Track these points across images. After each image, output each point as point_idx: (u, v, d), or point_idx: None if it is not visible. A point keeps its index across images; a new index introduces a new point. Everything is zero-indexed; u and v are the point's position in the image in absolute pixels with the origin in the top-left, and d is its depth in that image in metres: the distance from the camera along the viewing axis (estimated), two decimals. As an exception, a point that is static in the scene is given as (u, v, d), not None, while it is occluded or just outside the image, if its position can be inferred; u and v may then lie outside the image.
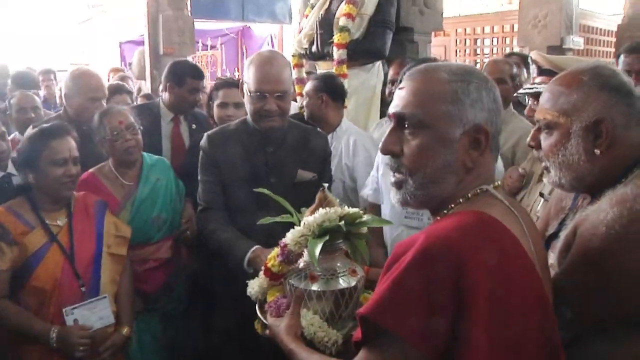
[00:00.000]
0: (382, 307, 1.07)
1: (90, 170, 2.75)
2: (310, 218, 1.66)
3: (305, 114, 3.41)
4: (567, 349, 1.22)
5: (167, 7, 6.53)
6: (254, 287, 1.80)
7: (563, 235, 1.45)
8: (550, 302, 1.16)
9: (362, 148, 3.17)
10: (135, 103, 4.40)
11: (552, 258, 1.46)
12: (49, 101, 5.74)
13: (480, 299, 1.02)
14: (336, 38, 4.07)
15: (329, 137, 3.24)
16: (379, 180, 2.77)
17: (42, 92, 5.99)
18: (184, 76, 3.46)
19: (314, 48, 4.35)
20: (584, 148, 1.38)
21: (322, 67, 4.38)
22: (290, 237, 1.68)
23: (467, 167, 1.21)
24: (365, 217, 1.71)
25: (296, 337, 1.53)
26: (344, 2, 4.12)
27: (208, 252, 2.53)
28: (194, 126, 3.48)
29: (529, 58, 2.54)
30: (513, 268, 1.09)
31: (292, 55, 4.57)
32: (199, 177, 2.48)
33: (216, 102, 3.23)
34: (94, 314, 2.35)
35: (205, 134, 2.53)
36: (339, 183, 3.13)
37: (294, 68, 4.52)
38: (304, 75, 4.56)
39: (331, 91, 3.33)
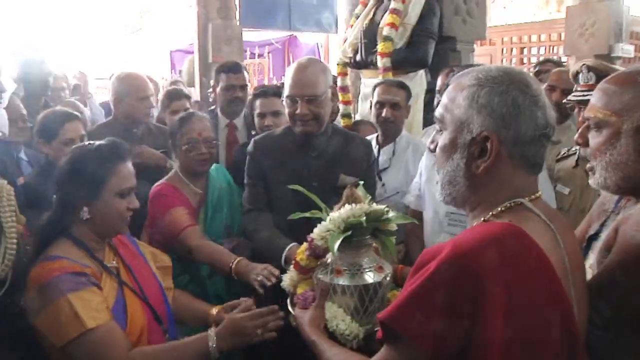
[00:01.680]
0: (400, 313, 1.11)
1: (161, 181, 2.69)
2: (336, 214, 1.73)
3: (382, 126, 3.27)
4: (603, 349, 1.25)
5: (216, 16, 6.68)
6: (286, 279, 1.89)
7: (604, 235, 1.45)
8: (575, 318, 1.14)
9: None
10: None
11: (592, 259, 1.47)
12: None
13: (497, 314, 1.04)
14: (380, 47, 4.15)
15: (390, 146, 3.24)
16: (421, 186, 2.78)
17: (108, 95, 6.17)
18: (219, 73, 3.55)
19: (358, 57, 4.43)
20: (633, 149, 1.34)
21: (366, 76, 4.47)
22: (316, 232, 1.75)
23: (477, 174, 1.21)
24: (390, 214, 1.75)
25: (319, 328, 1.59)
26: (387, 12, 4.19)
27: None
28: (253, 132, 3.37)
29: (583, 66, 2.52)
30: (534, 283, 1.09)
31: (337, 64, 4.66)
32: (244, 181, 2.58)
33: (255, 112, 3.20)
34: None
35: (252, 139, 2.63)
36: (401, 195, 3.00)
37: (338, 76, 4.61)
38: (348, 83, 4.64)
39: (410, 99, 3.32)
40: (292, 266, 1.89)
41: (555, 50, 9.62)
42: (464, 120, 1.21)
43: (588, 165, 1.49)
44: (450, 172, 1.25)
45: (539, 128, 1.18)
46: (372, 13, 4.42)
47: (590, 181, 1.48)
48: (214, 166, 2.86)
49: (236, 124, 3.59)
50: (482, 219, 1.22)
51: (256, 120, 3.19)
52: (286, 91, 2.41)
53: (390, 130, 3.24)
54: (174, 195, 2.59)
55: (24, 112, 3.23)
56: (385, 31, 4.13)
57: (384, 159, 3.21)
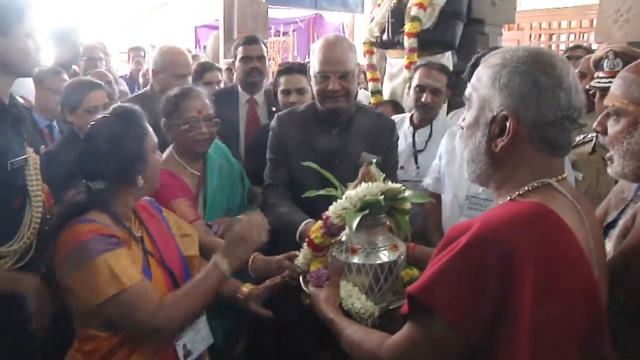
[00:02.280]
0: (430, 286, 1.13)
1: None
2: (352, 192, 1.73)
3: (420, 110, 3.21)
4: (617, 332, 1.24)
5: (242, -8, 6.67)
6: (299, 258, 1.90)
7: (622, 222, 1.46)
8: (601, 298, 1.15)
9: None
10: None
11: (609, 246, 1.47)
12: (134, 77, 5.91)
13: (526, 290, 1.05)
14: (407, 27, 4.10)
15: (427, 129, 3.22)
16: (441, 169, 2.77)
17: (129, 67, 6.23)
18: (237, 47, 3.58)
19: (384, 36, 4.38)
20: None
21: (392, 56, 4.43)
22: (332, 209, 1.76)
23: (496, 153, 1.21)
24: (406, 193, 1.76)
25: (334, 306, 1.60)
26: (416, -8, 4.14)
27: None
28: (273, 109, 3.40)
29: (609, 52, 2.48)
30: (563, 262, 1.10)
31: (363, 43, 4.62)
32: (267, 156, 2.59)
33: (279, 89, 3.20)
34: (198, 335, 1.98)
35: (276, 115, 2.64)
36: (430, 181, 2.88)
37: (365, 55, 4.59)
38: (375, 61, 4.61)
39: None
40: (305, 244, 1.89)
41: (585, 38, 9.42)
42: (487, 98, 1.22)
43: (607, 155, 1.49)
44: (472, 150, 1.27)
45: (561, 110, 1.17)
46: (400, -8, 4.35)
47: (609, 170, 1.49)
48: (212, 145, 2.65)
49: (257, 99, 3.59)
50: (509, 198, 1.22)
51: (280, 97, 3.20)
52: (316, 67, 2.38)
53: (428, 114, 3.21)
54: (174, 184, 2.40)
55: None
56: (413, 11, 4.08)
57: (419, 141, 3.20)
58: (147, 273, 1.83)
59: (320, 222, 1.81)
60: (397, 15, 4.26)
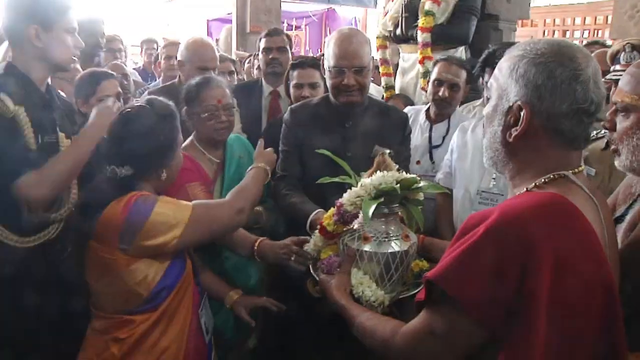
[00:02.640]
0: (449, 273, 1.13)
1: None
2: (367, 180, 1.74)
3: (437, 105, 3.16)
4: (625, 323, 1.26)
5: (256, -14, 6.68)
6: (310, 245, 1.93)
7: (629, 217, 1.47)
8: (617, 289, 1.16)
9: None
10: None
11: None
12: (147, 69, 5.87)
13: (544, 280, 1.05)
14: (421, 22, 4.09)
15: (444, 124, 3.19)
16: (452, 164, 2.77)
17: (141, 60, 6.21)
18: (260, 40, 3.64)
19: (398, 31, 4.37)
20: None
21: (405, 50, 4.43)
22: (346, 197, 1.77)
23: (510, 142, 1.22)
24: (421, 183, 1.77)
25: (346, 293, 1.62)
26: (430, -14, 4.13)
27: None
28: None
29: (626, 45, 2.48)
30: (581, 253, 1.10)
31: (377, 37, 4.62)
32: (279, 147, 2.59)
33: (292, 83, 3.18)
34: (208, 314, 2.09)
35: (289, 108, 2.65)
36: (441, 176, 2.88)
37: (378, 49, 4.59)
38: (388, 56, 4.61)
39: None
40: (317, 231, 1.91)
41: (599, 34, 9.34)
42: (504, 88, 1.23)
43: (613, 147, 1.50)
44: (490, 137, 1.28)
45: (576, 103, 1.16)
46: (415, -14, 4.35)
47: (616, 162, 1.50)
48: (232, 136, 2.67)
49: (280, 92, 3.60)
50: (525, 189, 1.22)
51: (292, 91, 3.19)
52: (331, 61, 2.37)
53: (445, 109, 3.18)
54: (191, 168, 2.42)
55: None
56: (427, 6, 4.07)
57: (436, 137, 3.18)
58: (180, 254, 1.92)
59: (333, 209, 1.83)
60: (411, 9, 4.25)
